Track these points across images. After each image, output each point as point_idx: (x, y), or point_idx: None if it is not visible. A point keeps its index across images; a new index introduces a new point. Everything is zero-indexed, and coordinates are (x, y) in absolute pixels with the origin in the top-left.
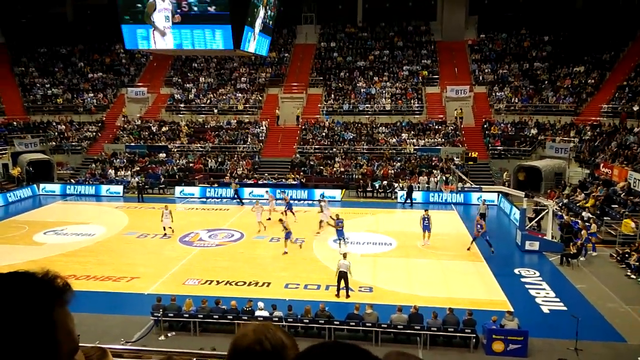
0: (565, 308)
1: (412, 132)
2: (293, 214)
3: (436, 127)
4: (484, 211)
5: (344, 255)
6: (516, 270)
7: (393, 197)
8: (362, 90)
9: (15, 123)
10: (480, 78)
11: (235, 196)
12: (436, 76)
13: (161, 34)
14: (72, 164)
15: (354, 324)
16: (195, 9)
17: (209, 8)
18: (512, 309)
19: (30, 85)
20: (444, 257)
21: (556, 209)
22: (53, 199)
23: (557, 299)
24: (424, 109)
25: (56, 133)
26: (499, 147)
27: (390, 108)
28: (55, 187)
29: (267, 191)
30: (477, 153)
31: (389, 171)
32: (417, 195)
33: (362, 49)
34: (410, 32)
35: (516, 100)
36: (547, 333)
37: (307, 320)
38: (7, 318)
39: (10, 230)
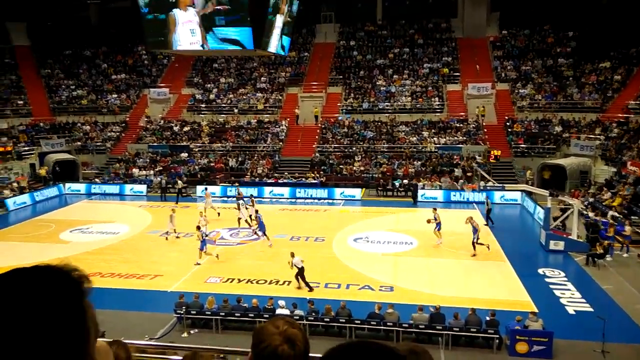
0: (591, 309)
1: (433, 131)
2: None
3: (457, 125)
4: (489, 206)
5: (292, 254)
6: (540, 270)
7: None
8: (381, 88)
9: (41, 124)
10: (503, 75)
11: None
12: (457, 74)
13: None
14: (96, 164)
15: (374, 323)
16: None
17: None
18: (536, 310)
19: (56, 86)
20: (465, 257)
21: (582, 208)
22: (78, 198)
23: (583, 300)
24: (445, 107)
25: (81, 133)
26: (522, 145)
27: (411, 106)
28: (81, 187)
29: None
30: (499, 151)
31: (410, 170)
32: (438, 194)
33: (381, 47)
34: (431, 29)
35: (540, 98)
36: (572, 334)
37: (328, 319)
38: (46, 308)
39: (38, 228)
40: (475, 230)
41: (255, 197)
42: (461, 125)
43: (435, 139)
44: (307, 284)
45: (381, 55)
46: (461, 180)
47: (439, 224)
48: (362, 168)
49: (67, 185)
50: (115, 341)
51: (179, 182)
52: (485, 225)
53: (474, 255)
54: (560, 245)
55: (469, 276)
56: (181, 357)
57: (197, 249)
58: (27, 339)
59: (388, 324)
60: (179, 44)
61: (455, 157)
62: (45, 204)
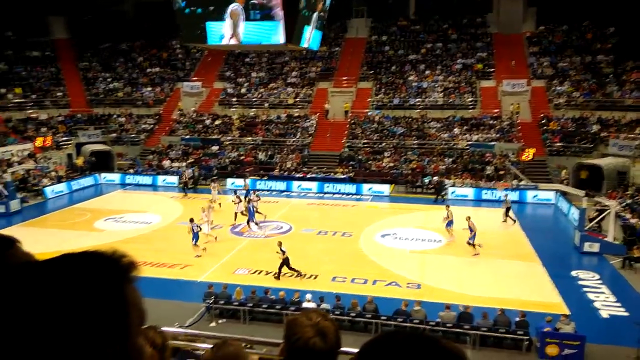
0: (626, 314)
1: (465, 127)
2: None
3: (490, 122)
4: (509, 205)
5: (280, 243)
6: (573, 273)
7: (444, 193)
8: (413, 84)
9: (79, 115)
10: (539, 72)
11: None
12: (491, 69)
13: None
14: (130, 155)
15: (401, 320)
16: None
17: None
18: (568, 312)
19: (93, 79)
20: (495, 256)
21: (619, 209)
22: (113, 187)
23: (618, 304)
24: (478, 103)
25: (117, 125)
26: (557, 144)
27: (442, 102)
28: (115, 177)
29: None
30: (534, 149)
31: (440, 167)
32: (468, 192)
33: (414, 42)
34: (465, 24)
35: (577, 95)
36: (606, 339)
37: (354, 314)
38: (84, 294)
39: (74, 216)
40: (471, 230)
41: (258, 192)
42: (494, 122)
43: (467, 135)
44: (294, 270)
45: (413, 51)
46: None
47: (450, 222)
48: (391, 164)
49: (103, 175)
50: (151, 327)
51: (186, 172)
52: (503, 222)
53: (477, 254)
54: (595, 247)
55: (499, 276)
56: (210, 345)
57: (213, 241)
58: (67, 323)
59: (415, 321)
60: (214, 39)
61: (487, 154)
62: (82, 193)
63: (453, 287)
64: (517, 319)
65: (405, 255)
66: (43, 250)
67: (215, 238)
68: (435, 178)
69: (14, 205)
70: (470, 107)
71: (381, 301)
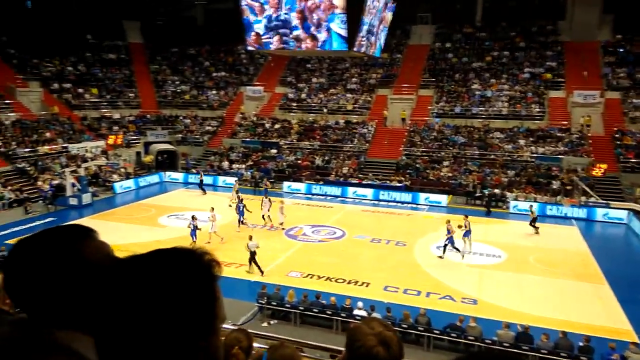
0: None
1: (531, 139)
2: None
3: (558, 134)
4: (534, 216)
5: (250, 237)
6: None
7: (505, 207)
8: (476, 92)
9: (148, 116)
10: (614, 83)
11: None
12: (561, 79)
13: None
14: (194, 155)
15: (455, 335)
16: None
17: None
18: (638, 341)
19: (163, 82)
20: (559, 276)
21: None
22: (176, 186)
23: None
24: (546, 115)
25: (182, 126)
26: (632, 160)
27: (507, 112)
28: (179, 176)
29: (236, 180)
30: (605, 165)
31: (502, 179)
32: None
33: (479, 49)
34: (535, 32)
35: None
36: None
37: (406, 326)
38: (182, 290)
39: (140, 211)
40: (449, 232)
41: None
42: (563, 134)
43: (532, 147)
44: (258, 267)
45: (478, 58)
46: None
47: (468, 232)
48: (450, 174)
49: (167, 173)
50: (239, 329)
51: (201, 173)
52: (536, 233)
53: (441, 257)
54: None
55: (562, 296)
56: (263, 345)
57: (220, 241)
58: (160, 317)
59: (469, 337)
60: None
61: (554, 168)
62: (147, 190)
63: (512, 305)
64: (581, 344)
65: (461, 269)
66: (110, 242)
67: (222, 239)
68: (488, 190)
69: (86, 198)
70: (537, 118)
71: (434, 314)
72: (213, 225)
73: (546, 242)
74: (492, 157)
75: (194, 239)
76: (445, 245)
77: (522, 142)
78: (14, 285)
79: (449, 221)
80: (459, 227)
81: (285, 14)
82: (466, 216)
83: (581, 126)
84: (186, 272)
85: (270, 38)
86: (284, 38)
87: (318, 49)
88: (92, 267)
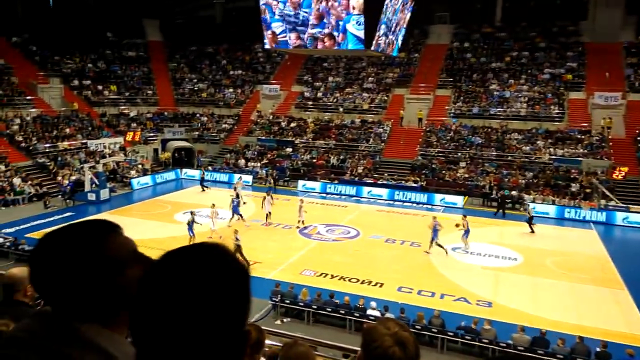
0: None
1: (550, 141)
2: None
3: (578, 136)
4: (531, 214)
5: (235, 231)
6: None
7: (522, 209)
8: (495, 93)
9: (166, 113)
10: (637, 84)
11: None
12: (582, 81)
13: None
14: (210, 153)
15: (469, 338)
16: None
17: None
18: None
19: (181, 79)
20: (576, 280)
21: None
22: (192, 183)
23: None
24: (565, 116)
25: (199, 124)
26: None
27: (526, 113)
28: (195, 173)
29: (239, 177)
30: (626, 168)
31: (520, 181)
32: (550, 209)
33: (498, 49)
34: (555, 32)
35: None
36: None
37: (420, 327)
38: (224, 285)
39: (156, 207)
40: (436, 231)
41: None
42: (582, 136)
43: (551, 149)
44: (246, 262)
45: (497, 58)
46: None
47: (467, 232)
48: (466, 175)
49: (184, 170)
50: (252, 325)
51: (202, 170)
52: (532, 232)
53: (428, 253)
54: None
55: (579, 301)
56: (276, 343)
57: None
58: (205, 313)
59: (484, 340)
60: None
61: (573, 170)
62: (164, 186)
63: (528, 308)
64: (598, 349)
65: (477, 271)
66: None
67: (220, 237)
68: (506, 192)
69: (104, 194)
70: (557, 119)
71: (449, 316)
72: (214, 223)
73: (564, 245)
74: (510, 158)
75: (190, 234)
76: (432, 241)
77: (540, 143)
78: (39, 278)
79: (435, 217)
80: (457, 226)
81: (304, 13)
82: (464, 216)
83: (602, 128)
84: (227, 271)
85: (287, 37)
86: (301, 36)
87: (335, 48)
88: (116, 262)
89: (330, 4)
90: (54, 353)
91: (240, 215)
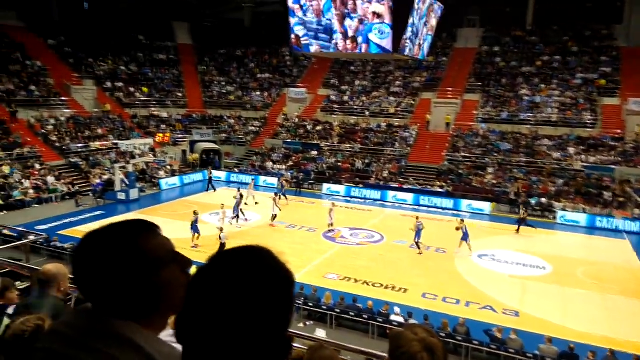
0: None
1: (581, 147)
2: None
3: (611, 143)
4: (523, 216)
5: (221, 230)
6: None
7: (552, 217)
8: (525, 98)
9: (194, 115)
10: None
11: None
12: (616, 86)
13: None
14: (237, 155)
15: (495, 347)
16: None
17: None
18: None
19: (209, 82)
20: (608, 291)
21: None
22: (219, 184)
23: None
24: (598, 122)
25: (226, 126)
26: None
27: (557, 119)
28: (222, 174)
29: (252, 179)
30: None
31: (550, 188)
32: (581, 218)
33: (529, 53)
34: (589, 36)
35: None
36: None
37: (444, 335)
38: (276, 291)
39: (183, 208)
40: (419, 231)
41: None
42: (616, 143)
43: (582, 156)
44: None
45: (528, 63)
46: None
47: (465, 234)
48: (494, 181)
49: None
50: None
51: (210, 170)
52: (516, 232)
53: (420, 253)
54: None
55: (611, 312)
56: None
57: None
58: (255, 315)
59: (510, 350)
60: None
61: (605, 178)
62: (191, 187)
63: (556, 319)
64: None
65: (503, 279)
66: None
67: (226, 237)
68: (534, 200)
69: (133, 193)
70: (589, 125)
71: (474, 324)
72: (222, 222)
73: (595, 255)
74: (540, 164)
75: (193, 233)
76: (416, 242)
77: (571, 150)
78: (80, 275)
79: (417, 217)
80: (457, 229)
81: (327, 20)
82: (462, 220)
83: (636, 135)
84: (272, 276)
85: (309, 41)
86: (323, 43)
87: (357, 52)
88: (153, 261)
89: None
90: (92, 349)
91: (238, 215)
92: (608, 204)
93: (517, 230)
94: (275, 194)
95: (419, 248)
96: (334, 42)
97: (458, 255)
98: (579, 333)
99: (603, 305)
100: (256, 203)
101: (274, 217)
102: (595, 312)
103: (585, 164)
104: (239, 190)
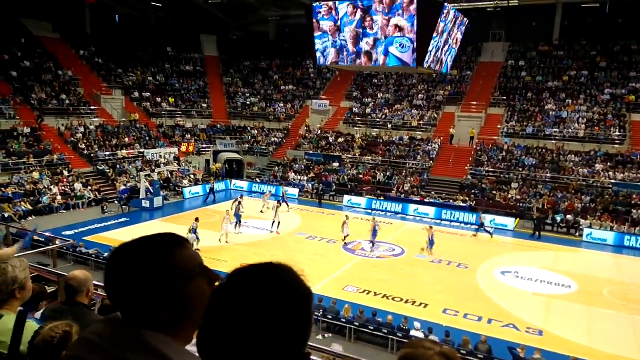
0: None
1: (609, 164)
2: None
3: None
4: (482, 220)
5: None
6: None
7: (577, 234)
8: (551, 113)
9: (218, 125)
10: None
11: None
12: None
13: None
14: (259, 165)
15: None
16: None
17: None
18: None
19: (234, 94)
20: (636, 312)
21: None
22: (241, 194)
23: None
24: (627, 139)
25: (250, 137)
26: None
27: (584, 135)
28: (244, 184)
29: (269, 190)
30: None
31: (576, 205)
32: (609, 236)
33: (555, 68)
34: (617, 51)
35: None
36: None
37: (465, 352)
38: (294, 308)
39: (205, 217)
40: (375, 232)
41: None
42: None
43: (610, 173)
44: None
45: (554, 78)
46: None
47: (431, 242)
48: (518, 197)
49: (233, 181)
50: None
51: (213, 180)
52: (473, 235)
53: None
54: None
55: (639, 335)
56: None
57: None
58: (276, 330)
59: None
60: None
61: (634, 196)
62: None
63: (582, 339)
64: None
65: (527, 297)
66: None
67: (227, 242)
68: (538, 213)
69: (157, 201)
70: (618, 142)
71: (496, 343)
72: (225, 228)
73: (623, 274)
74: (565, 181)
75: (194, 236)
76: (371, 242)
77: (599, 167)
78: (112, 285)
79: (374, 219)
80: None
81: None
82: (431, 227)
83: None
84: (291, 293)
85: (329, 52)
86: (341, 56)
87: (373, 64)
88: (182, 274)
89: (370, 23)
90: (121, 358)
91: (238, 221)
92: (637, 222)
93: (475, 235)
94: (278, 202)
95: (371, 248)
96: (350, 57)
97: (468, 269)
98: (607, 355)
99: (631, 326)
100: (261, 212)
101: (278, 224)
102: (622, 333)
103: (613, 181)
104: (238, 200)
